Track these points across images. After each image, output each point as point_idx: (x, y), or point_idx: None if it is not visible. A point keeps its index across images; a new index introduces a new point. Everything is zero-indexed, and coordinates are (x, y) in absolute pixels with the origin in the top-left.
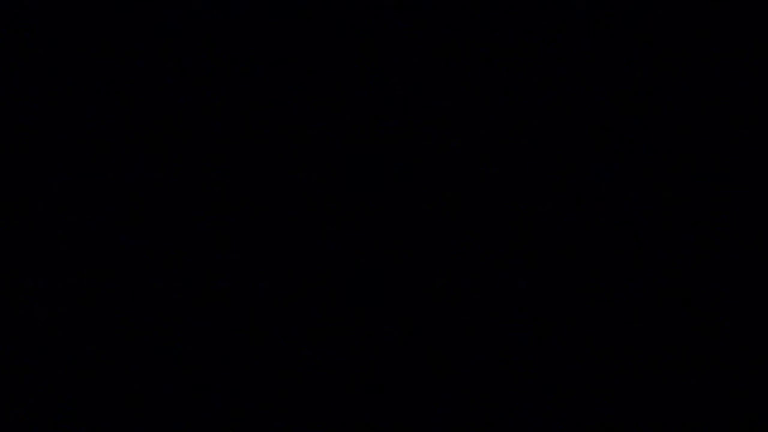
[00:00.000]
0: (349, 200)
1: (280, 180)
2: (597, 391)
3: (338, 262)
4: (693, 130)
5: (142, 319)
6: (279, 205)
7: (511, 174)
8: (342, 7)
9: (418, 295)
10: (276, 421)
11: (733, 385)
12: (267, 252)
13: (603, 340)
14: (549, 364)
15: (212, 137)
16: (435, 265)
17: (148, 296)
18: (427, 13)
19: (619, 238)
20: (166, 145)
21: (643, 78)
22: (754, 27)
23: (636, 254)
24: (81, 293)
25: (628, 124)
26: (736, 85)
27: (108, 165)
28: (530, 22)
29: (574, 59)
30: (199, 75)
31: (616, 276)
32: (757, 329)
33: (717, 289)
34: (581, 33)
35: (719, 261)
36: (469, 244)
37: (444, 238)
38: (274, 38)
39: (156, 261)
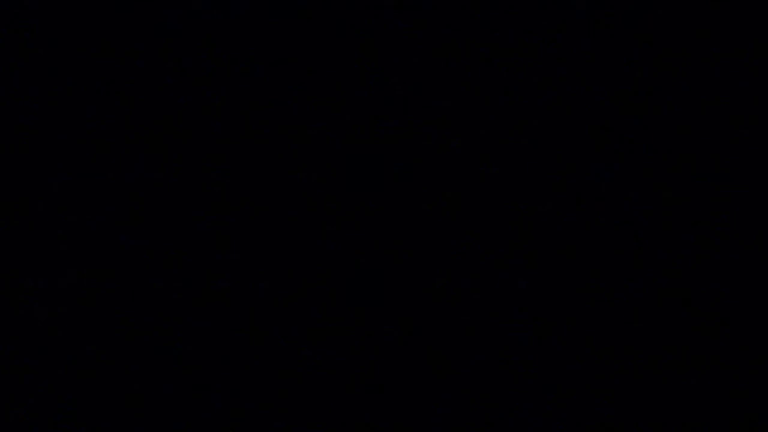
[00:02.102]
0: (349, 200)
1: (280, 180)
2: (597, 391)
3: (338, 262)
4: (693, 130)
5: (142, 319)
6: (279, 205)
7: (511, 174)
8: (342, 7)
9: (418, 295)
10: (276, 421)
11: (733, 385)
12: (267, 252)
13: (603, 340)
14: (549, 364)
15: (212, 137)
16: (435, 265)
17: (148, 296)
18: (427, 13)
19: (619, 238)
20: (166, 145)
21: (643, 78)
22: (754, 27)
23: (636, 254)
24: (81, 293)
25: (628, 124)
26: (736, 85)
27: (108, 165)
28: (530, 22)
29: (574, 59)
30: (199, 75)
31: (616, 276)
32: (757, 329)
33: (717, 289)
34: (581, 33)
35: (719, 261)
36: (469, 244)
37: (444, 238)
38: (274, 38)
39: (156, 261)
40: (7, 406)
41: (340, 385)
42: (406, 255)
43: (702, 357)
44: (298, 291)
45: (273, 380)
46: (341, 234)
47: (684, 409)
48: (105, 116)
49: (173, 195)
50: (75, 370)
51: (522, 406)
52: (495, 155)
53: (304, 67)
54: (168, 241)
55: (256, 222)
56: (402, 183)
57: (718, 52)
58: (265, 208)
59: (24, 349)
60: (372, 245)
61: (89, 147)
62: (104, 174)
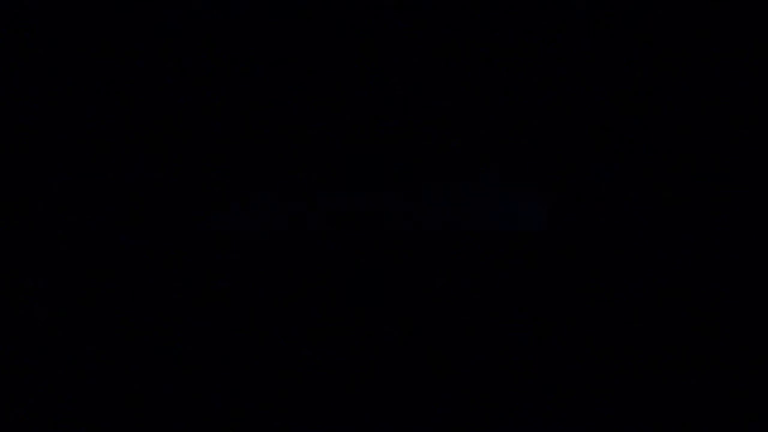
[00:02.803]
0: (349, 200)
1: (279, 180)
2: (597, 391)
3: (338, 261)
4: (693, 130)
5: (142, 319)
6: (279, 205)
7: (511, 174)
8: (342, 7)
9: (418, 294)
10: (276, 421)
11: (733, 385)
12: (267, 252)
13: (603, 340)
14: (549, 364)
15: (212, 137)
16: (435, 264)
17: (148, 296)
18: (427, 13)
19: (619, 238)
20: (166, 145)
21: (643, 78)
22: (754, 27)
23: (636, 254)
24: (81, 293)
25: (628, 124)
26: (736, 85)
27: (108, 165)
28: (530, 22)
29: (574, 59)
30: (199, 75)
31: (617, 276)
32: (757, 329)
33: (717, 289)
34: (581, 33)
35: (719, 261)
36: (470, 243)
37: (444, 238)
38: (274, 38)
39: (156, 261)
40: (7, 406)
41: (341, 385)
42: (406, 255)
43: (702, 357)
44: (298, 291)
45: (273, 380)
46: (341, 234)
47: (684, 409)
48: (105, 116)
49: (173, 195)
50: (75, 370)
51: (522, 406)
52: (495, 155)
53: (304, 67)
54: (168, 241)
55: (256, 222)
56: (402, 183)
57: (718, 52)
58: (264, 207)
59: (24, 349)
60: (372, 245)
61: (89, 147)
62: (104, 174)
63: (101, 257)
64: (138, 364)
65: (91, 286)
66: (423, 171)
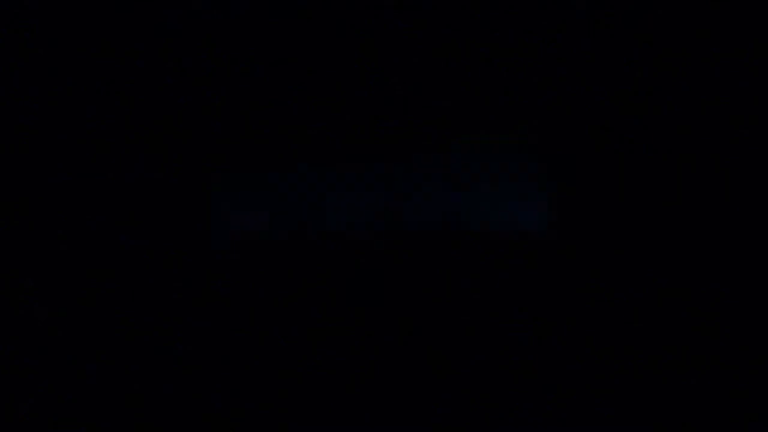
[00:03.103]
0: (350, 199)
1: (279, 180)
2: (597, 391)
3: (338, 261)
4: (693, 130)
5: (143, 319)
6: (279, 205)
7: (511, 173)
8: (342, 7)
9: (417, 294)
10: (276, 421)
11: (733, 385)
12: (267, 251)
13: (603, 340)
14: (549, 363)
15: (212, 137)
16: (435, 264)
17: (148, 296)
18: (427, 13)
19: (619, 239)
20: (166, 145)
21: (643, 78)
22: (754, 27)
23: (636, 255)
24: (81, 293)
25: (629, 124)
26: (736, 85)
27: (108, 165)
28: (531, 22)
29: (575, 59)
30: (199, 75)
31: (616, 276)
32: (758, 329)
33: (717, 289)
34: (581, 33)
35: (719, 261)
36: (470, 243)
37: (444, 238)
38: (274, 38)
39: (156, 261)
40: (7, 406)
41: (340, 385)
42: (406, 255)
43: (702, 357)
44: (298, 290)
45: (273, 380)
46: (341, 234)
47: (684, 409)
48: (105, 116)
49: (173, 195)
50: (75, 370)
51: (522, 406)
52: (494, 154)
53: (304, 67)
54: (168, 241)
55: (256, 222)
56: (401, 182)
57: (718, 52)
58: (264, 207)
59: (24, 349)
60: (372, 245)
61: (89, 147)
62: (104, 174)
63: (101, 257)
64: (138, 363)
65: (91, 286)
66: (423, 170)
